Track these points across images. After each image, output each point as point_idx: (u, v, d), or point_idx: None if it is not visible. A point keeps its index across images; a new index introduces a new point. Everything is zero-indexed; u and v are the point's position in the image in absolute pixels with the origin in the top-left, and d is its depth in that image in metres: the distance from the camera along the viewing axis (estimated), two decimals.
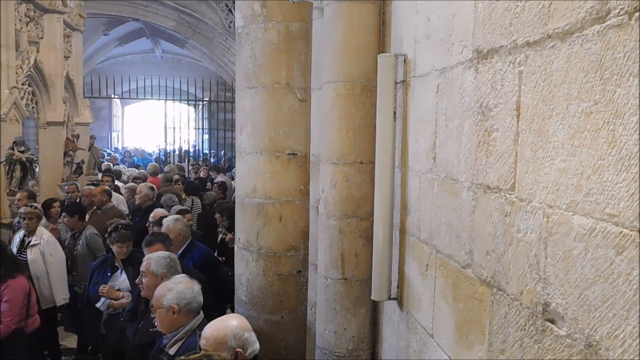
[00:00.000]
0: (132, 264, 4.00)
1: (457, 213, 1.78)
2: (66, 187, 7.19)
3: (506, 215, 1.47)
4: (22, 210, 5.29)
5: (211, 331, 2.29)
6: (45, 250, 4.89)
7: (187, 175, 10.71)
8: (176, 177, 9.01)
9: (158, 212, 5.66)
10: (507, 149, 1.46)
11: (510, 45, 1.44)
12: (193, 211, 6.76)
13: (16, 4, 7.18)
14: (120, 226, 4.31)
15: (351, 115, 2.57)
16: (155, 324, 2.76)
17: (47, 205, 6.15)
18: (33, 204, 5.57)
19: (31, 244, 4.88)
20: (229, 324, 2.31)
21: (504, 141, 1.48)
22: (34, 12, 7.81)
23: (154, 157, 20.20)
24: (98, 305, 4.11)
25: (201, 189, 8.33)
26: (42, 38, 7.99)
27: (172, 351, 2.66)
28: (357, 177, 2.59)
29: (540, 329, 1.31)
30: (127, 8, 14.97)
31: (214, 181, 10.09)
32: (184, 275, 2.91)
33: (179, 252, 4.01)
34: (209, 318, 2.63)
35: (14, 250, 4.90)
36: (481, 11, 1.59)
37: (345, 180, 2.61)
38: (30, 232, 4.94)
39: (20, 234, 5.02)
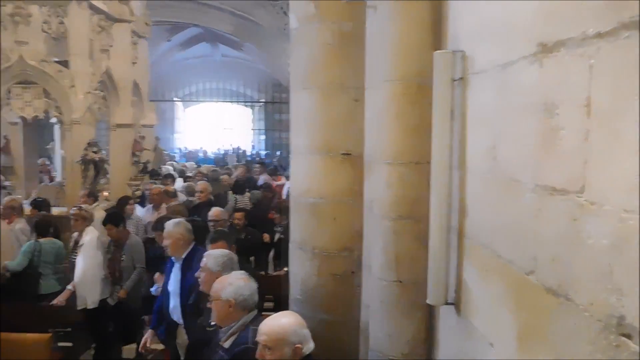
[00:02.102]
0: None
1: (519, 216, 1.65)
2: (148, 187, 7.46)
3: (575, 220, 1.33)
4: (71, 211, 5.48)
5: (272, 327, 2.30)
6: (83, 251, 5.01)
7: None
8: (225, 176, 9.23)
9: (216, 210, 5.76)
10: (576, 148, 1.33)
11: (579, 37, 1.30)
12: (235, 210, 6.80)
13: (90, 15, 7.49)
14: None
15: (406, 114, 2.47)
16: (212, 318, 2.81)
17: (123, 202, 6.42)
18: (81, 205, 5.71)
19: (79, 244, 5.05)
20: (289, 320, 2.32)
21: (572, 140, 1.34)
22: (105, 22, 8.13)
23: (213, 157, 20.65)
24: (152, 290, 4.26)
25: (251, 188, 8.44)
26: (112, 46, 8.32)
27: (226, 345, 2.71)
28: (412, 177, 2.49)
29: (614, 344, 1.17)
30: (188, 14, 15.37)
31: (259, 181, 10.28)
32: (243, 272, 2.94)
33: (183, 257, 3.91)
34: None
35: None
36: (546, 0, 1.46)
37: (400, 180, 2.52)
38: (80, 233, 5.09)
39: (75, 234, 5.21)
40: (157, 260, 4.78)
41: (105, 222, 5.16)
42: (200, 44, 21.13)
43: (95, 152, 7.28)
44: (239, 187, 8.16)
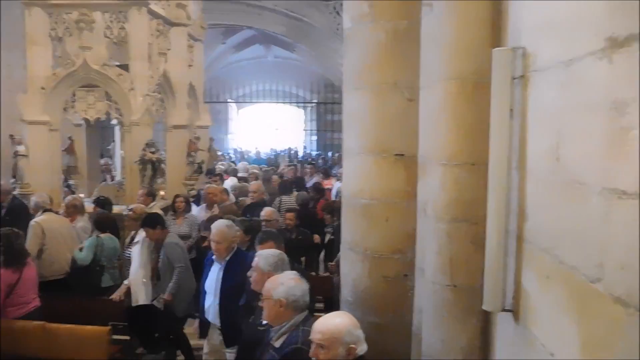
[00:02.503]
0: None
1: (584, 221, 1.57)
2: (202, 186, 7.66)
3: None
4: (124, 212, 5.68)
5: (326, 326, 2.30)
6: (137, 249, 5.20)
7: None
8: (274, 177, 9.36)
9: (268, 210, 5.83)
10: None
11: None
12: (280, 211, 6.82)
13: (149, 20, 7.76)
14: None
15: (462, 113, 2.41)
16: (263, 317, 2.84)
17: (173, 200, 6.64)
18: (133, 207, 5.93)
19: (134, 241, 5.30)
20: (344, 320, 2.33)
21: None
22: (163, 26, 8.40)
23: (265, 157, 20.93)
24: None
25: (300, 189, 8.52)
26: (169, 49, 8.58)
27: (277, 344, 2.73)
28: (468, 179, 2.42)
29: None
30: (242, 17, 15.63)
31: (309, 182, 10.36)
32: (295, 272, 2.96)
33: (226, 259, 3.97)
34: None
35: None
36: None
37: (455, 182, 2.46)
38: (135, 232, 5.32)
39: (133, 231, 5.46)
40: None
41: (142, 225, 5.16)
42: (253, 46, 21.48)
43: (152, 153, 7.52)
44: (285, 187, 8.24)
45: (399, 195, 3.25)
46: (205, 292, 4.00)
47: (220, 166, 11.98)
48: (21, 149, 7.66)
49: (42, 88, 7.43)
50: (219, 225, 4.05)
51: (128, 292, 5.11)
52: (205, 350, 4.05)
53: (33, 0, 7.38)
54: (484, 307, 2.27)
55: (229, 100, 21.04)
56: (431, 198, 2.65)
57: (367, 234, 3.34)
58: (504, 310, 2.18)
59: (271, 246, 3.83)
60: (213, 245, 4.05)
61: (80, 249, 5.44)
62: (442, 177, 2.50)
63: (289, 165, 13.84)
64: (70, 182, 8.80)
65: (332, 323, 2.32)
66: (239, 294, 3.77)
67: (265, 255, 3.42)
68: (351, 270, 3.46)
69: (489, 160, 2.21)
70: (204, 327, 4.00)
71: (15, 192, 7.48)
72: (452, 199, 2.47)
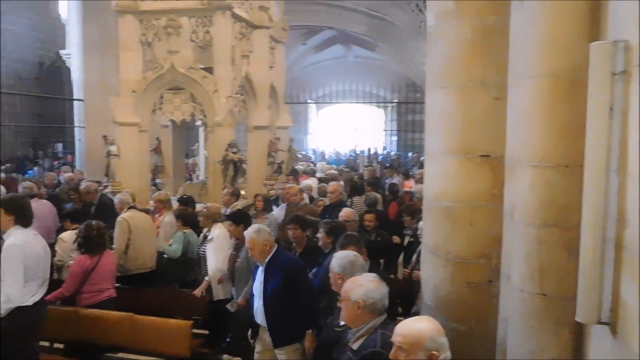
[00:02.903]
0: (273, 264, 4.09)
1: None
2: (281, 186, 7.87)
3: None
4: (199, 209, 5.92)
5: (408, 330, 2.30)
6: (214, 245, 5.36)
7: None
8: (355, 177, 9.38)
9: (347, 211, 5.86)
10: None
11: None
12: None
13: (232, 23, 8.07)
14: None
15: (556, 112, 2.31)
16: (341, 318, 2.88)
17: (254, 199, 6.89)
18: (209, 204, 6.17)
19: (207, 239, 5.47)
20: (427, 326, 2.31)
21: None
22: (246, 29, 8.70)
23: (345, 158, 21.03)
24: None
25: (377, 190, 8.55)
26: (251, 52, 8.86)
27: (354, 346, 2.76)
28: (561, 181, 2.32)
29: None
30: (323, 17, 15.81)
31: (387, 182, 10.29)
32: (375, 275, 2.97)
33: (265, 262, 4.00)
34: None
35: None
36: None
37: (547, 185, 2.36)
38: (209, 228, 5.50)
39: (205, 229, 5.65)
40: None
41: (227, 219, 5.43)
42: (333, 46, 21.68)
43: (234, 153, 7.81)
44: (356, 188, 8.24)
45: (484, 198, 3.16)
46: (253, 295, 4.13)
47: (299, 166, 12.19)
48: (113, 149, 8.23)
49: (133, 91, 7.94)
50: (248, 232, 4.15)
51: (209, 288, 5.32)
52: (257, 349, 4.17)
53: (126, 8, 7.90)
54: (577, 319, 2.16)
55: (309, 101, 21.36)
56: (520, 201, 2.56)
57: (450, 238, 3.27)
58: (599, 322, 2.06)
59: (352, 250, 3.86)
60: (249, 251, 4.20)
61: (170, 244, 5.81)
62: (533, 179, 2.41)
63: (366, 166, 13.81)
64: (157, 180, 9.33)
65: (415, 327, 2.30)
66: (282, 294, 3.85)
67: (337, 256, 3.50)
68: (433, 274, 3.41)
69: (584, 161, 2.10)
70: (255, 329, 4.13)
71: (105, 190, 8.08)
72: (543, 203, 2.38)
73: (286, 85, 12.04)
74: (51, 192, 8.67)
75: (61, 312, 4.75)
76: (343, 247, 3.98)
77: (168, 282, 5.88)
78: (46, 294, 4.08)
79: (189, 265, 5.83)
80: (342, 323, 2.92)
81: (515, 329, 2.57)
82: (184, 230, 5.91)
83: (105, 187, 8.40)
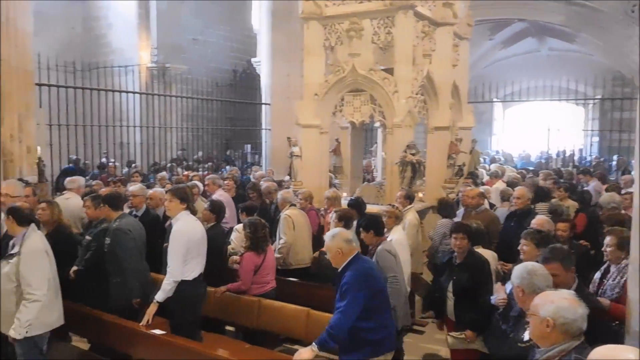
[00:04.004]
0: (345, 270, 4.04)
1: None
2: (462, 190, 7.76)
3: None
4: (383, 208, 6.00)
5: (608, 358, 2.08)
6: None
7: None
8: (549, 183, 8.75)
9: (541, 219, 5.52)
10: None
11: None
12: None
13: (414, 22, 8.12)
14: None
15: None
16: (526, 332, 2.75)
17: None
18: (394, 204, 6.32)
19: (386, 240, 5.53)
20: (635, 357, 2.06)
21: None
22: (429, 27, 8.67)
23: (535, 161, 19.77)
24: (492, 299, 4.20)
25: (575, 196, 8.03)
26: (434, 50, 8.81)
27: None
28: None
29: None
30: (514, 10, 15.09)
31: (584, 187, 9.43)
32: (573, 292, 2.78)
33: (340, 268, 3.96)
34: None
35: None
36: None
37: None
38: (387, 229, 5.62)
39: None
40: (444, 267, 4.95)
41: (358, 226, 5.47)
42: (524, 40, 20.47)
43: (413, 155, 7.82)
44: (541, 194, 7.71)
45: None
46: None
47: (481, 169, 11.78)
48: (296, 150, 8.84)
49: (315, 94, 8.45)
50: (326, 236, 4.22)
51: None
52: None
53: (311, 15, 8.44)
54: None
55: (494, 99, 20.44)
56: None
57: None
58: None
59: (555, 268, 3.61)
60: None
61: None
62: None
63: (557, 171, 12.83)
64: (336, 181, 9.79)
65: (616, 357, 2.07)
66: (349, 301, 3.81)
67: (517, 267, 3.39)
68: None
69: None
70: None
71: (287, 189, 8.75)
72: None
73: (470, 84, 11.72)
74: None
75: (247, 301, 5.35)
76: (545, 262, 3.63)
77: (326, 281, 6.17)
78: (216, 281, 5.30)
79: None
80: (526, 338, 2.78)
81: None
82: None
83: (288, 186, 9.07)
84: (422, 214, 7.74)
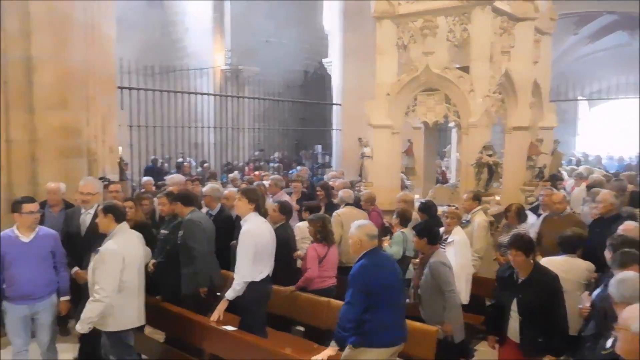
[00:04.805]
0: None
1: None
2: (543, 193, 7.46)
3: None
4: (444, 209, 6.15)
5: None
6: (454, 249, 5.56)
7: None
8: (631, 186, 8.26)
9: (630, 224, 5.24)
10: None
11: None
12: None
13: (492, 18, 7.91)
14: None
15: None
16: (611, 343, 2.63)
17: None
18: (455, 204, 6.37)
19: (447, 241, 5.70)
20: None
21: None
22: (507, 23, 8.43)
23: (624, 163, 18.68)
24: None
25: None
26: (513, 47, 8.55)
27: None
28: None
29: None
30: (602, 2, 14.33)
31: None
32: None
33: (357, 259, 4.19)
34: None
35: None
36: None
37: None
38: (447, 231, 5.79)
39: (441, 229, 5.85)
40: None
41: (414, 230, 5.37)
42: (613, 34, 19.40)
43: (489, 156, 7.60)
44: (636, 199, 7.29)
45: None
46: None
47: (563, 172, 11.28)
48: (367, 150, 8.86)
49: (387, 94, 8.41)
50: (352, 225, 4.36)
51: None
52: None
53: (384, 14, 8.41)
54: None
55: (579, 97, 19.49)
56: None
57: None
58: None
59: (635, 270, 3.52)
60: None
61: (390, 245, 6.33)
62: None
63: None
64: (408, 182, 9.70)
65: None
66: (353, 292, 4.02)
67: (616, 279, 3.25)
68: None
69: None
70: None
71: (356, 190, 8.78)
72: None
73: (552, 81, 11.25)
74: (304, 188, 9.74)
75: (315, 301, 5.46)
76: (621, 267, 3.64)
77: None
78: (282, 279, 5.50)
79: (405, 264, 6.06)
80: (608, 345, 2.65)
81: None
82: (402, 230, 6.31)
83: (359, 188, 9.09)
84: (497, 217, 7.52)
